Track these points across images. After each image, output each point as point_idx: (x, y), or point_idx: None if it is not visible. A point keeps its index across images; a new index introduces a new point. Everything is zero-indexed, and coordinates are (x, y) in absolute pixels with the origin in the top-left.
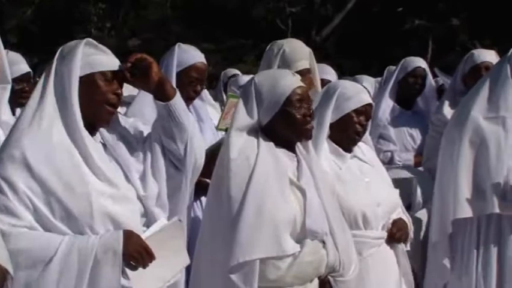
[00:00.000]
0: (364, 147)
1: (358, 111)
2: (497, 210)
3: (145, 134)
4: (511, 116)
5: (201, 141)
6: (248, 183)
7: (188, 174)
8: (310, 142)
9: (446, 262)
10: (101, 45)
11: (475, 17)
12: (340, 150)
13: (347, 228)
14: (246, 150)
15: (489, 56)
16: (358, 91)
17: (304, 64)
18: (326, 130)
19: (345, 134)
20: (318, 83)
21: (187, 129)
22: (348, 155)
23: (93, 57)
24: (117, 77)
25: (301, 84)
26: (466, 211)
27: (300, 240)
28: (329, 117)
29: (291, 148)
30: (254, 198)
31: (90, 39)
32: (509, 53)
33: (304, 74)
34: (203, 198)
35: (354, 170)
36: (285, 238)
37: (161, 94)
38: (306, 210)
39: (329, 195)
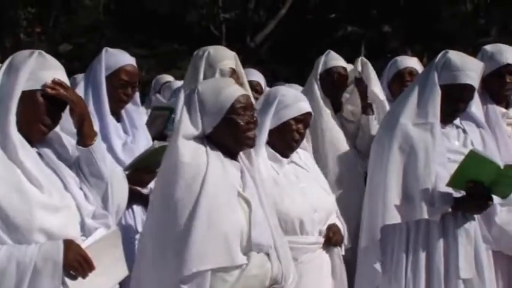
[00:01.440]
0: (301, 153)
1: (297, 119)
2: (425, 216)
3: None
4: (439, 123)
5: (123, 181)
6: (199, 193)
7: (111, 218)
8: (252, 151)
9: (378, 266)
10: (52, 60)
11: (406, 24)
12: (278, 155)
13: (284, 237)
14: (197, 157)
15: (412, 62)
16: (298, 99)
17: (229, 64)
18: (265, 136)
19: (283, 141)
20: (247, 86)
21: (105, 178)
22: (285, 160)
23: (40, 72)
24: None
25: (245, 92)
26: (394, 217)
27: (245, 252)
28: (268, 124)
29: (234, 157)
30: (205, 208)
31: (43, 52)
32: (437, 59)
33: (229, 73)
34: (135, 207)
35: (291, 175)
36: (235, 249)
37: (80, 135)
38: (251, 222)
39: (271, 206)
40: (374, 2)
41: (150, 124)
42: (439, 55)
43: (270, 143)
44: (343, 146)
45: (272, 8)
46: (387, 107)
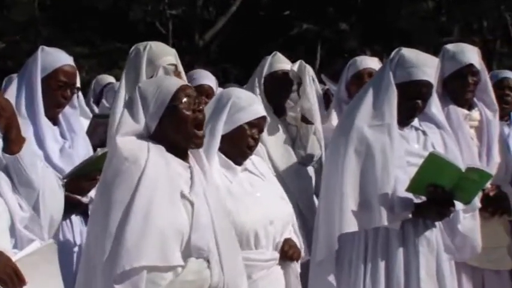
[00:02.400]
0: (255, 159)
1: (251, 124)
2: (384, 223)
3: None
4: (396, 124)
5: (57, 190)
6: (137, 187)
7: (44, 232)
8: (202, 152)
9: (332, 279)
10: None
11: (364, 23)
12: (231, 163)
13: (238, 249)
14: (136, 152)
15: (372, 63)
16: (252, 102)
17: (170, 60)
18: (217, 142)
19: (236, 147)
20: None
21: (35, 187)
22: (239, 168)
23: None
24: None
25: (189, 85)
26: (352, 225)
27: (185, 257)
28: (221, 129)
29: (184, 157)
30: (142, 203)
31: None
32: (391, 57)
33: (173, 70)
34: (73, 217)
35: (245, 184)
36: (171, 249)
37: (6, 141)
38: (193, 224)
39: (220, 211)
40: None
41: (91, 133)
42: (393, 53)
43: (222, 149)
44: (288, 153)
45: (222, 4)
46: (317, 116)
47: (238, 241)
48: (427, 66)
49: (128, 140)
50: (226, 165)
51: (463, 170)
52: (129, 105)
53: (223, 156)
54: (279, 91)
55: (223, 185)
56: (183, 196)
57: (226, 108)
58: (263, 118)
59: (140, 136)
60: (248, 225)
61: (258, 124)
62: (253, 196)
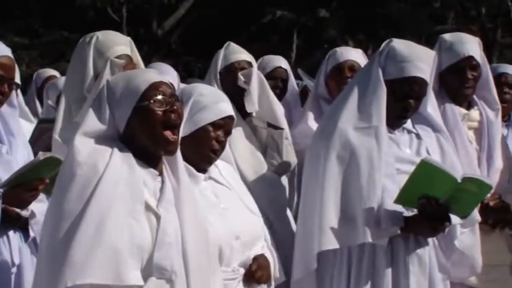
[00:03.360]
0: (223, 166)
1: (216, 125)
2: (370, 239)
3: None
4: (384, 126)
5: None
6: (91, 194)
7: None
8: (179, 159)
9: None
10: None
11: (346, 9)
12: (192, 169)
13: (215, 271)
14: (95, 156)
15: (355, 54)
16: (218, 100)
17: (123, 50)
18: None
19: (199, 151)
20: None
21: None
22: (202, 175)
23: None
24: None
25: (165, 81)
26: (332, 242)
27: (146, 276)
28: (181, 130)
29: (156, 165)
30: (95, 213)
31: None
32: (380, 50)
33: (125, 61)
34: (11, 234)
35: (208, 194)
36: (126, 266)
37: None
38: (157, 240)
39: (196, 227)
40: None
41: (35, 140)
42: (383, 45)
43: (183, 153)
44: (258, 160)
45: None
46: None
47: None
48: (421, 61)
49: (88, 142)
50: (188, 172)
51: (460, 180)
52: (96, 102)
53: (184, 161)
54: (238, 87)
55: None
56: (148, 208)
57: (187, 106)
58: (230, 118)
59: (105, 138)
60: (211, 240)
61: (224, 125)
62: (217, 208)
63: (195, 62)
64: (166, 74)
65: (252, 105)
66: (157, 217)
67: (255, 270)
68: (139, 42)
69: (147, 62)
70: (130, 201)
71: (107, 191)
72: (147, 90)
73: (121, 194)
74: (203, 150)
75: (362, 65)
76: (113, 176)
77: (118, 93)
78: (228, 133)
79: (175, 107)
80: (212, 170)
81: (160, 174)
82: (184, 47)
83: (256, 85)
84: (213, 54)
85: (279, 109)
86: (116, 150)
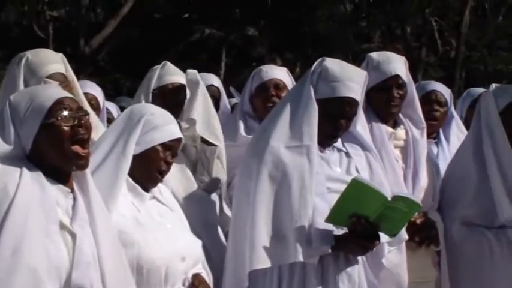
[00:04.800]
0: (162, 187)
1: (166, 146)
2: (300, 258)
3: None
4: (316, 145)
5: None
6: (4, 218)
7: None
8: (88, 176)
9: None
10: None
11: (274, 27)
12: (139, 188)
13: (131, 285)
14: (4, 178)
15: (279, 73)
16: (168, 121)
17: (56, 68)
18: (129, 164)
19: (146, 171)
20: (81, 97)
21: None
22: (147, 195)
23: None
24: None
25: (70, 95)
26: (264, 261)
27: None
28: (132, 149)
29: (66, 182)
30: (11, 237)
31: None
32: (312, 69)
33: (59, 79)
34: None
35: (154, 213)
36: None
37: None
38: (74, 259)
39: (111, 243)
40: (236, 0)
41: None
42: (315, 64)
43: (131, 171)
44: (187, 178)
45: (111, 5)
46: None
47: (145, 278)
48: (352, 81)
49: None
50: (134, 190)
51: (390, 198)
52: (0, 124)
53: (131, 180)
54: (170, 108)
55: (130, 213)
56: (62, 227)
57: (139, 126)
58: (178, 141)
59: (13, 158)
60: (159, 260)
61: (173, 147)
62: (163, 228)
63: (123, 80)
64: (89, 87)
65: (185, 122)
66: (73, 236)
67: (198, 285)
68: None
69: None
70: (45, 222)
71: (19, 213)
72: (53, 107)
73: (35, 216)
74: (151, 170)
75: (287, 83)
76: (25, 197)
77: (22, 111)
78: (174, 155)
79: (82, 121)
80: (155, 190)
81: (72, 191)
82: (112, 64)
83: (199, 102)
84: (142, 72)
85: (219, 126)
86: (25, 170)
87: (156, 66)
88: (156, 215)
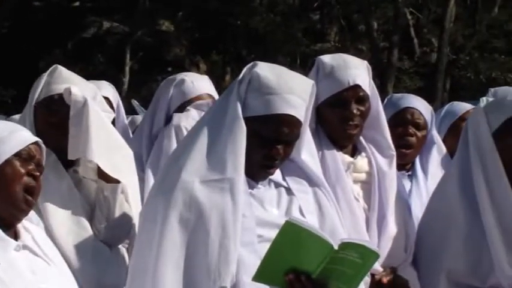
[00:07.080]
0: (35, 230)
1: (21, 156)
2: None
3: None
4: (243, 179)
5: None
6: None
7: None
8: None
9: None
10: None
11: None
12: (0, 232)
13: None
14: None
15: (206, 85)
16: (14, 128)
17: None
18: None
19: (8, 194)
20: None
21: None
22: (13, 242)
23: None
24: None
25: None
26: None
27: None
28: None
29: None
30: None
31: None
32: (240, 77)
33: None
34: None
35: (23, 269)
36: None
37: None
38: None
39: None
40: None
41: None
42: (244, 70)
43: None
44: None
45: None
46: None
47: None
48: (294, 94)
49: None
50: None
51: (337, 247)
52: None
53: None
54: (58, 127)
55: None
56: None
57: None
58: (37, 145)
59: None
60: None
61: (32, 156)
62: None
63: (2, 91)
64: None
65: (76, 150)
66: None
67: None
68: None
69: None
70: None
71: None
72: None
73: None
74: (14, 190)
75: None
76: None
77: None
78: (39, 165)
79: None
80: (25, 235)
81: None
82: None
83: (91, 126)
84: (26, 82)
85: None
86: None
87: (45, 73)
88: (25, 271)
